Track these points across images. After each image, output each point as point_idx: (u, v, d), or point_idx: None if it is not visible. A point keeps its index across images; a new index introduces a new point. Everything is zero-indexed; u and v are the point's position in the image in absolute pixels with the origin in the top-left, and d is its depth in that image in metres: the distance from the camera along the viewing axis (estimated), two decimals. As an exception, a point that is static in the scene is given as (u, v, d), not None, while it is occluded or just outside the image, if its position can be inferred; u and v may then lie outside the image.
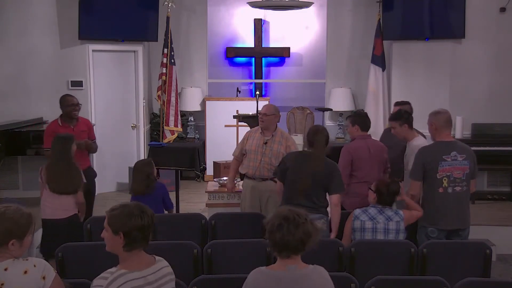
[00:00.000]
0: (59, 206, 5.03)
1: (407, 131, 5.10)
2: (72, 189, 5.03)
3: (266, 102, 8.77)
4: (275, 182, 5.01)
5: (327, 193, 4.64)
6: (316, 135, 4.59)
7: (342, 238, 4.43)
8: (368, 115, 8.35)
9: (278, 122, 5.62)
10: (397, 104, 5.77)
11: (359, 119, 5.26)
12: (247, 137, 5.56)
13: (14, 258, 2.76)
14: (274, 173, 4.81)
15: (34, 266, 2.76)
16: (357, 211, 4.41)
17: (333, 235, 4.53)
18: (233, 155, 5.71)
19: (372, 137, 5.38)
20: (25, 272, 2.72)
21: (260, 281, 2.76)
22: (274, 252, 2.78)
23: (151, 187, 5.07)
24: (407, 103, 5.75)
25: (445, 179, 4.39)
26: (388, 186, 4.42)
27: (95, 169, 8.11)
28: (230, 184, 5.76)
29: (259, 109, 5.59)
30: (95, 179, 8.27)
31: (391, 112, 5.72)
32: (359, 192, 4.95)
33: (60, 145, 5.04)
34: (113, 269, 2.67)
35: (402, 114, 5.14)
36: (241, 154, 5.57)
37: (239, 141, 5.74)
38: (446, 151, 4.41)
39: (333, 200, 4.61)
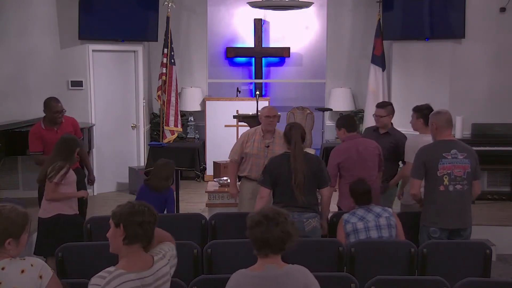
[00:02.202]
0: (43, 205, 5.01)
1: (421, 126, 5.20)
2: (39, 180, 4.99)
3: (266, 103, 8.81)
4: None
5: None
6: (291, 130, 4.63)
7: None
8: (368, 115, 8.41)
9: (278, 122, 5.63)
10: (378, 106, 5.75)
11: (343, 121, 5.21)
12: (245, 140, 5.49)
13: (11, 257, 2.76)
14: (259, 181, 4.78)
15: (31, 265, 2.76)
16: (346, 216, 4.44)
17: (326, 228, 4.70)
18: (230, 159, 5.61)
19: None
20: (22, 271, 2.72)
21: (241, 283, 2.78)
22: (254, 249, 2.80)
23: (165, 188, 5.17)
24: (389, 104, 5.81)
25: (445, 177, 4.39)
26: (358, 187, 4.50)
27: (95, 169, 8.14)
28: (234, 190, 5.65)
29: (259, 110, 5.57)
30: (96, 181, 8.31)
31: (375, 114, 5.71)
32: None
33: (61, 145, 5.01)
34: (111, 268, 2.67)
35: (422, 109, 5.25)
36: (240, 158, 5.52)
37: (235, 143, 5.64)
38: (446, 149, 4.42)
39: (326, 192, 4.70)
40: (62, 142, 5.03)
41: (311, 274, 2.84)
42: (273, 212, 2.80)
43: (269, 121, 5.41)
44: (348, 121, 5.23)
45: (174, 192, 7.01)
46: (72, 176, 5.02)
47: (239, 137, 5.63)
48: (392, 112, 5.65)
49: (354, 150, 5.03)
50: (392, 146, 5.42)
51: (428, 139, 4.97)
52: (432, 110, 5.19)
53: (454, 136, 4.80)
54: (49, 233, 4.90)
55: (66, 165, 4.91)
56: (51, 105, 5.81)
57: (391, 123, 5.68)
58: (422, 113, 5.20)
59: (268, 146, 5.40)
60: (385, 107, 5.64)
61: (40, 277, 2.75)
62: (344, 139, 5.16)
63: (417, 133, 5.37)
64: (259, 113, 5.63)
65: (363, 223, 4.34)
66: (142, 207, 2.74)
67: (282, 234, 2.74)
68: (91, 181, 6.15)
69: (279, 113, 6.82)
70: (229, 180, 6.02)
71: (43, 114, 6.22)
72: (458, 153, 4.42)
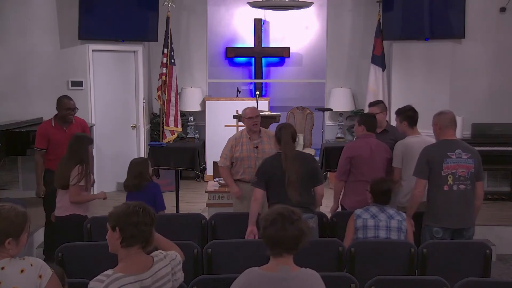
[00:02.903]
0: (59, 204, 5.03)
1: (406, 128, 5.20)
2: (59, 184, 4.97)
3: (266, 103, 8.82)
4: None
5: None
6: (280, 130, 4.63)
7: (344, 238, 4.43)
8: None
9: (278, 121, 5.63)
10: (371, 105, 5.80)
11: (366, 119, 5.28)
12: (233, 144, 5.49)
13: (11, 257, 2.77)
14: (253, 183, 4.77)
15: (31, 265, 2.77)
16: (358, 211, 4.42)
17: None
18: (221, 165, 5.58)
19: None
20: (22, 271, 2.73)
21: (253, 281, 2.76)
22: (267, 248, 2.78)
23: (142, 185, 5.01)
24: (380, 102, 5.86)
25: (450, 177, 4.39)
26: (380, 185, 4.45)
27: (95, 169, 8.13)
28: (235, 188, 5.52)
29: (241, 112, 5.56)
30: (96, 181, 8.30)
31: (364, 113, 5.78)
32: (359, 191, 4.96)
33: (75, 144, 5.00)
34: (109, 272, 2.66)
35: (403, 111, 5.24)
36: (230, 163, 5.50)
37: (224, 148, 5.60)
38: (450, 149, 4.42)
39: (320, 191, 4.68)
40: (75, 140, 5.03)
41: (321, 279, 2.83)
42: (288, 210, 2.79)
43: (253, 122, 5.42)
44: (371, 120, 5.27)
45: (175, 192, 7.05)
46: (91, 178, 5.07)
47: (225, 143, 5.61)
48: (385, 109, 5.72)
49: (367, 148, 5.08)
50: (393, 143, 5.42)
51: (416, 140, 5.00)
52: (415, 110, 5.21)
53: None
54: (62, 231, 4.91)
55: (88, 169, 4.94)
56: (63, 102, 5.83)
57: (387, 121, 5.75)
58: (405, 115, 5.20)
59: (257, 147, 5.41)
60: (377, 104, 5.71)
61: (40, 276, 2.75)
62: (360, 136, 5.21)
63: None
64: (241, 116, 5.61)
65: (374, 221, 4.32)
66: (137, 208, 2.72)
67: (297, 232, 2.73)
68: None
69: (279, 113, 6.86)
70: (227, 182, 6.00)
71: (43, 114, 6.26)
72: (463, 153, 4.42)
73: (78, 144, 5.01)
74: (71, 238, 4.47)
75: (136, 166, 5.10)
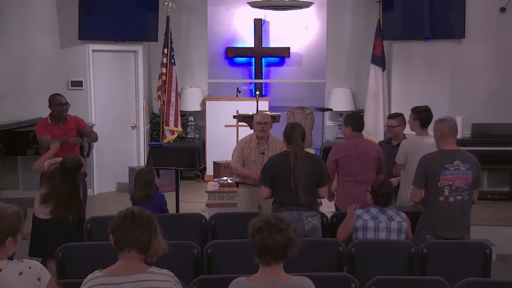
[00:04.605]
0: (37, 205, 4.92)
1: (418, 127, 5.16)
2: (66, 214, 4.89)
3: (266, 103, 8.83)
4: None
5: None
6: (292, 130, 4.62)
7: (337, 234, 4.45)
8: (368, 115, 8.39)
9: (278, 122, 5.63)
10: (390, 117, 5.77)
11: (352, 120, 5.26)
12: (243, 146, 5.52)
13: (9, 259, 2.76)
14: (259, 180, 4.79)
15: (30, 267, 2.75)
16: (359, 211, 4.42)
17: None
18: (233, 165, 5.59)
19: (373, 137, 5.39)
20: (20, 273, 2.71)
21: None
22: (255, 256, 2.73)
23: (150, 196, 5.01)
24: (400, 115, 5.77)
25: (446, 188, 4.33)
26: (379, 187, 4.45)
27: (95, 169, 8.16)
28: (255, 171, 5.38)
29: (254, 113, 5.56)
30: (94, 180, 8.32)
31: (387, 125, 5.74)
32: (350, 191, 4.97)
33: (63, 174, 4.86)
34: (96, 271, 2.65)
35: (418, 111, 5.19)
36: (242, 163, 5.51)
37: (234, 150, 5.61)
38: (449, 160, 4.34)
39: (323, 193, 4.71)
40: (63, 170, 4.86)
41: (314, 286, 2.78)
42: (275, 218, 2.73)
43: (259, 127, 5.43)
44: (356, 120, 5.27)
45: (175, 192, 7.05)
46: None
47: (236, 144, 5.62)
48: (403, 123, 5.61)
49: (353, 148, 5.06)
50: None
51: (427, 141, 4.95)
52: (430, 112, 5.18)
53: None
54: (48, 233, 4.84)
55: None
56: (55, 99, 5.88)
57: (404, 134, 5.64)
58: (419, 115, 5.16)
59: (263, 153, 5.42)
60: (396, 117, 5.63)
61: (39, 279, 2.73)
62: (348, 137, 5.22)
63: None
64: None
65: (375, 222, 4.32)
66: (125, 213, 2.65)
67: (284, 241, 2.67)
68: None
69: (279, 113, 6.86)
70: (235, 179, 5.99)
71: (43, 114, 6.26)
72: (461, 164, 4.33)
73: (66, 171, 4.85)
74: (59, 241, 4.37)
75: (144, 176, 5.09)
